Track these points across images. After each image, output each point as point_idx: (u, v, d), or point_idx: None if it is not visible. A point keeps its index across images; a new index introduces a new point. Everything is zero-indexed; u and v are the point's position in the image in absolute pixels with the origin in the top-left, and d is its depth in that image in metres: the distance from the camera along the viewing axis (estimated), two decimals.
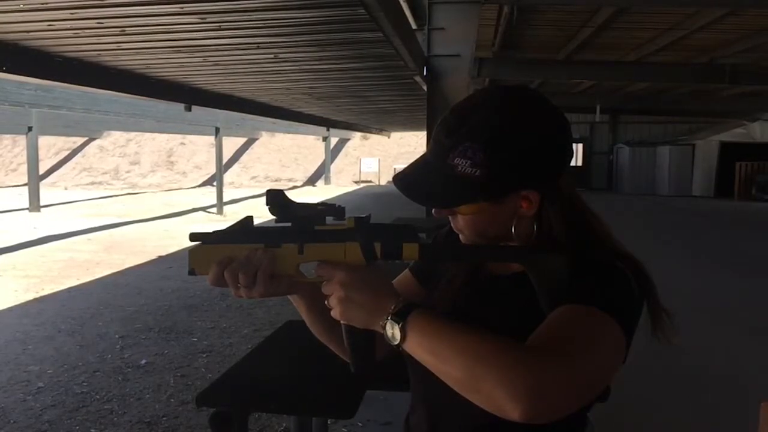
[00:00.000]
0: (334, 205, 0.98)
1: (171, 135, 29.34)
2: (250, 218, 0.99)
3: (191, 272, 0.99)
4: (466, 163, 0.98)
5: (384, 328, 0.91)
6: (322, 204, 0.98)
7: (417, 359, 0.90)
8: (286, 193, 0.99)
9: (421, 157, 1.09)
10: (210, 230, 1.00)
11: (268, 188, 0.97)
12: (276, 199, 0.96)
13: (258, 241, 0.98)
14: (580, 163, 25.26)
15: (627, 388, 1.92)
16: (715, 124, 23.27)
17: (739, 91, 19.32)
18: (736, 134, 21.54)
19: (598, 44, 13.66)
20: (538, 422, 0.80)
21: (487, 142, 0.98)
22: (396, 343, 0.90)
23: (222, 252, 0.97)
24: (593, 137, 25.70)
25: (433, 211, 1.07)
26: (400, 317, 0.89)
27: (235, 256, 0.97)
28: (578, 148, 24.99)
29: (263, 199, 0.97)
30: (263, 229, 0.99)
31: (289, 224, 0.98)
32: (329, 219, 0.98)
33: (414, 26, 9.30)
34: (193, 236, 0.98)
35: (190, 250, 0.98)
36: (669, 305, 1.03)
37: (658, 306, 1.02)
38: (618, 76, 16.34)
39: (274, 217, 0.98)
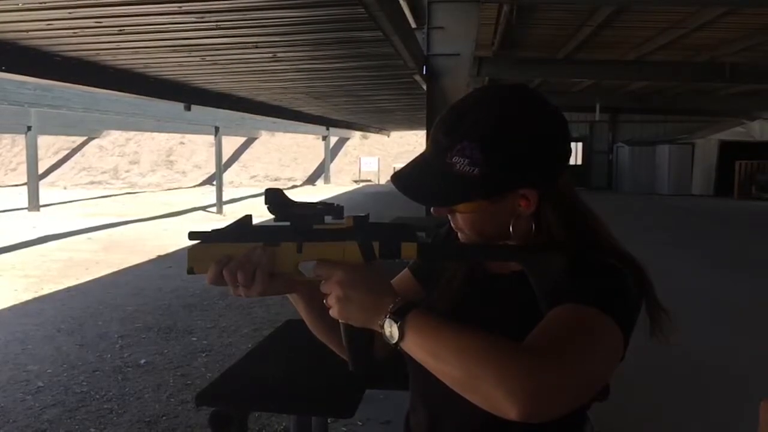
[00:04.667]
0: (333, 204, 0.98)
1: (170, 134, 29.31)
2: (249, 217, 0.99)
3: (190, 271, 0.98)
4: (464, 161, 0.98)
5: (382, 327, 0.91)
6: (321, 203, 0.98)
7: (415, 358, 0.90)
8: (286, 192, 0.99)
9: (419, 155, 1.08)
10: (209, 229, 1.00)
11: (267, 187, 0.97)
12: (275, 198, 0.96)
13: (257, 239, 0.97)
14: (579, 162, 25.25)
15: (627, 387, 1.92)
16: (715, 123, 23.24)
17: (738, 90, 19.32)
18: (735, 133, 21.51)
19: (597, 43, 13.65)
20: (536, 421, 0.81)
21: (486, 141, 0.98)
22: (394, 342, 0.90)
23: (221, 251, 0.97)
24: (593, 136, 25.67)
25: (432, 209, 1.07)
26: (398, 316, 0.89)
27: (234, 254, 0.96)
28: (578, 147, 24.96)
29: (263, 198, 0.97)
30: (262, 228, 0.99)
31: (288, 223, 0.98)
32: (328, 218, 0.98)
33: (413, 25, 9.30)
34: (192, 235, 0.98)
35: (189, 249, 0.98)
36: (668, 304, 1.03)
37: (656, 305, 1.02)
38: (618, 75, 16.35)
39: (273, 217, 0.98)
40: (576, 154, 24.26)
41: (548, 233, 1.03)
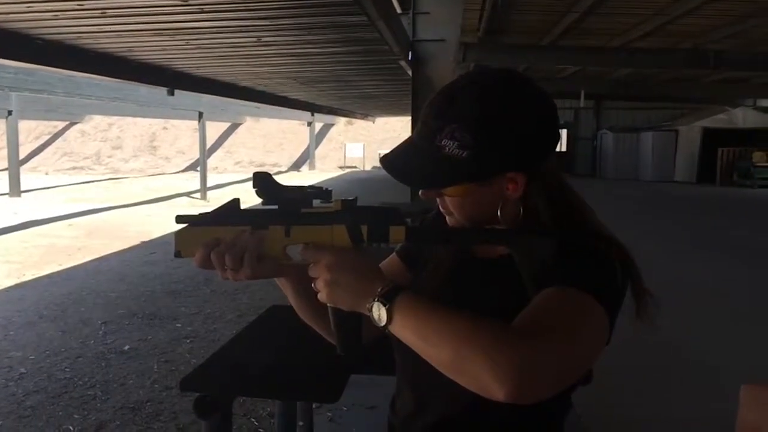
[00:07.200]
0: (322, 187, 0.97)
1: (153, 119, 29.02)
2: (236, 201, 0.99)
3: (177, 254, 0.98)
4: (453, 144, 0.98)
5: (371, 310, 0.90)
6: (310, 187, 0.97)
7: (403, 341, 0.90)
8: None
9: (408, 138, 1.08)
10: (196, 212, 0.99)
11: (255, 171, 0.96)
12: (263, 181, 0.96)
13: (245, 223, 0.97)
14: (564, 149, 25.34)
15: (611, 372, 1.93)
16: (698, 110, 23.42)
17: (722, 77, 19.47)
18: (718, 120, 21.68)
19: (582, 30, 13.67)
20: (523, 402, 0.81)
21: (475, 124, 0.98)
22: (383, 325, 0.89)
23: (209, 234, 0.96)
24: (577, 123, 25.79)
25: (420, 192, 1.07)
26: (387, 299, 0.89)
27: (222, 238, 0.96)
28: (562, 134, 25.03)
29: (247, 185, 0.96)
30: (250, 212, 0.98)
31: (276, 207, 0.97)
32: (317, 202, 0.97)
33: (399, 10, 9.25)
34: (180, 218, 0.97)
35: (177, 232, 0.97)
36: (652, 288, 1.04)
37: (641, 288, 1.03)
38: (602, 62, 16.38)
39: (260, 201, 0.97)
40: (561, 141, 24.33)
41: (536, 217, 1.04)
